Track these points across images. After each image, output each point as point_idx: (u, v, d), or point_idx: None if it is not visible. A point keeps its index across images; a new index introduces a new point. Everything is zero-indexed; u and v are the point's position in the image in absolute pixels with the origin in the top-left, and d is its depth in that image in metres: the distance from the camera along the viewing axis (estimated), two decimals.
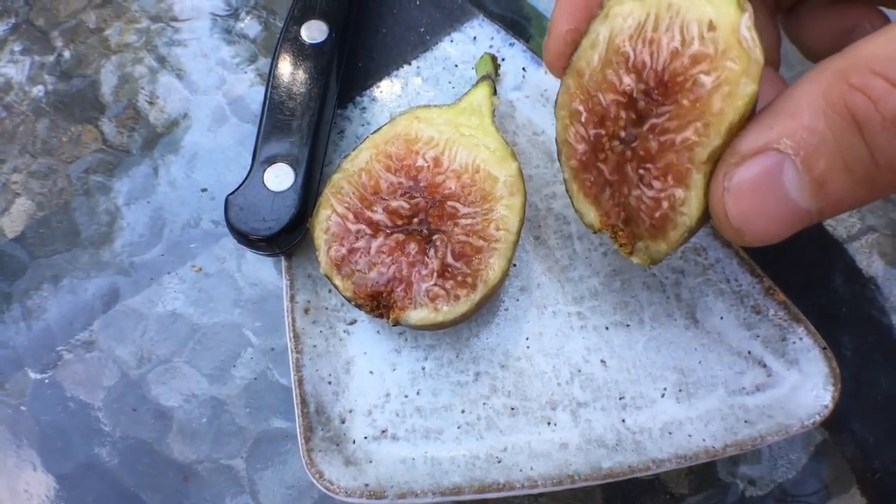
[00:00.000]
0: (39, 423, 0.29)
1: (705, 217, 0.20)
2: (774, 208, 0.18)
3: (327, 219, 0.25)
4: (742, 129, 0.18)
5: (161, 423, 0.28)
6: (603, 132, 0.22)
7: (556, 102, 0.23)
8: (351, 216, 0.25)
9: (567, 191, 0.24)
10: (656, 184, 0.20)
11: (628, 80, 0.21)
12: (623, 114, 0.21)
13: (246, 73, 0.33)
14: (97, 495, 0.28)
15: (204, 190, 0.31)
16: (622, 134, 0.21)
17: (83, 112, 0.33)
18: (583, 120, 0.22)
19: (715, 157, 0.19)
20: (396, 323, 0.24)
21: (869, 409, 0.29)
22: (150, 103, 0.33)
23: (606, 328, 0.27)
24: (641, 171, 0.21)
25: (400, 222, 0.25)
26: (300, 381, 0.25)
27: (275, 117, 0.26)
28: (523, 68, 0.30)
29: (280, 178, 0.25)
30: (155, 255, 0.30)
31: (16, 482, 0.29)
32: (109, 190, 0.31)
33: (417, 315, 0.24)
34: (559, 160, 0.24)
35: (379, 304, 0.24)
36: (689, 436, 0.25)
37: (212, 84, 0.33)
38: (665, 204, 0.20)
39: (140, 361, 0.29)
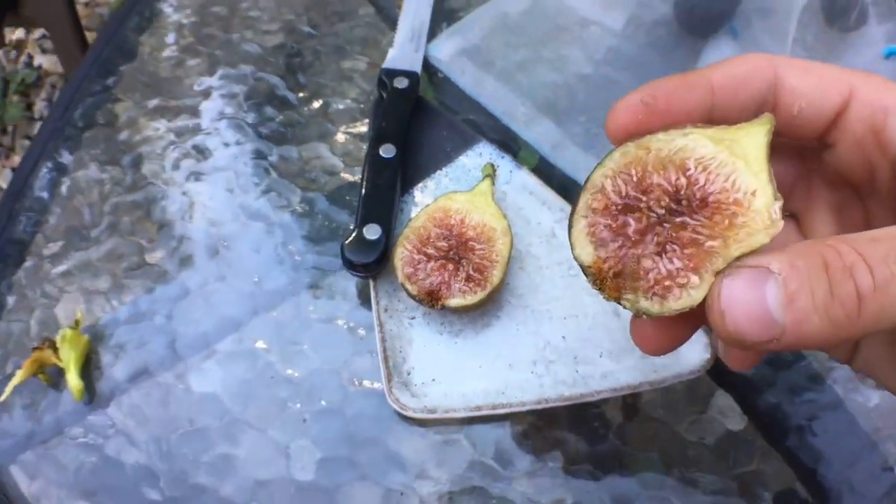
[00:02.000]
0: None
1: (701, 307, 0.25)
2: (752, 304, 0.23)
3: (401, 253, 0.46)
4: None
5: (290, 386, 0.47)
6: (643, 199, 0.27)
7: (608, 154, 0.28)
8: (415, 251, 0.46)
9: (570, 222, 0.28)
10: (677, 262, 0.26)
11: (683, 181, 0.26)
12: (664, 199, 0.26)
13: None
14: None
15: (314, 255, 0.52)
16: (659, 211, 0.26)
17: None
18: (634, 180, 0.27)
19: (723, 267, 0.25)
20: (443, 307, 0.44)
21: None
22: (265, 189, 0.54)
23: (564, 318, 0.47)
24: (668, 248, 0.26)
25: (442, 253, 0.46)
26: (384, 350, 0.45)
27: (368, 200, 0.48)
28: (510, 171, 0.52)
29: (373, 232, 0.46)
30: (282, 283, 0.50)
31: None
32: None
33: (455, 301, 0.44)
34: (579, 196, 0.28)
35: (432, 298, 0.44)
36: (618, 378, 0.44)
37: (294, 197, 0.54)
38: (681, 281, 0.25)
39: (277, 347, 0.48)
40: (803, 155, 0.33)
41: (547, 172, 0.53)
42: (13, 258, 0.53)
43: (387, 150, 0.50)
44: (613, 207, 0.27)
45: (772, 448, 0.46)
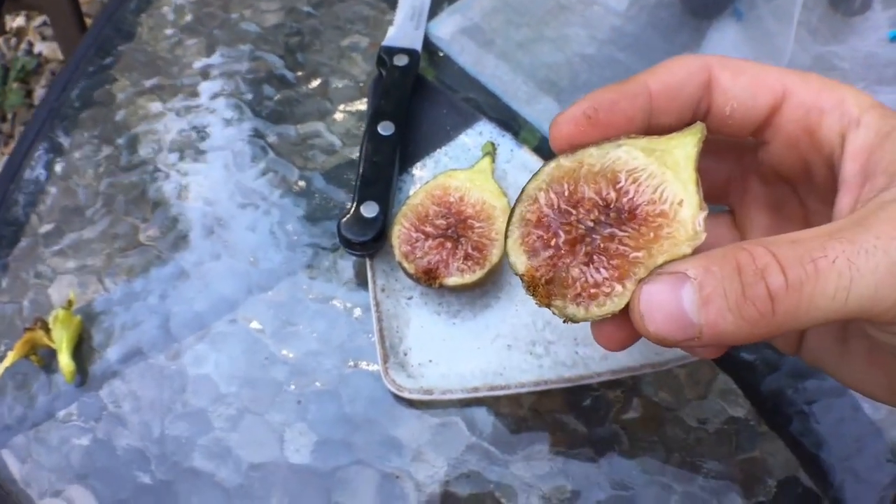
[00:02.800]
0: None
1: (624, 311, 0.27)
2: (669, 307, 0.25)
3: (399, 231, 0.45)
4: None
5: (285, 368, 0.46)
6: (574, 213, 0.29)
7: (541, 168, 0.30)
8: (413, 229, 0.45)
9: (507, 232, 0.30)
10: (604, 272, 0.27)
11: (613, 195, 0.28)
12: (594, 212, 0.28)
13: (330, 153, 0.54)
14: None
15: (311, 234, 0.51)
16: (589, 223, 0.28)
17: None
18: (565, 194, 0.29)
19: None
20: (441, 286, 0.43)
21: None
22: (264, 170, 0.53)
23: None
24: (595, 258, 0.28)
25: (440, 231, 0.45)
26: (380, 330, 0.44)
27: (365, 177, 0.47)
28: (511, 150, 0.51)
29: (370, 209, 0.45)
30: (278, 262, 0.49)
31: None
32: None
33: (452, 280, 0.43)
34: (513, 208, 0.30)
35: (430, 276, 0.43)
36: (619, 360, 0.43)
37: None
38: (605, 290, 0.27)
39: (272, 328, 0.47)
40: (740, 152, 0.33)
41: (548, 151, 0.52)
42: (7, 238, 0.53)
43: (385, 128, 0.49)
44: (546, 219, 0.29)
45: (775, 434, 0.45)
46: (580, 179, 0.29)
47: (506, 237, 0.30)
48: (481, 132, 0.52)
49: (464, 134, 0.52)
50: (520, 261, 0.30)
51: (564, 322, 0.29)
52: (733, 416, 0.45)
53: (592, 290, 0.27)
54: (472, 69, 0.56)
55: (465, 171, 0.47)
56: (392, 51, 0.54)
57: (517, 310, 0.46)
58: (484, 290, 0.46)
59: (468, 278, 0.43)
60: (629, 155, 0.28)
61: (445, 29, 0.57)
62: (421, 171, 0.51)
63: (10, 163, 0.57)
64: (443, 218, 0.45)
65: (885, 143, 0.27)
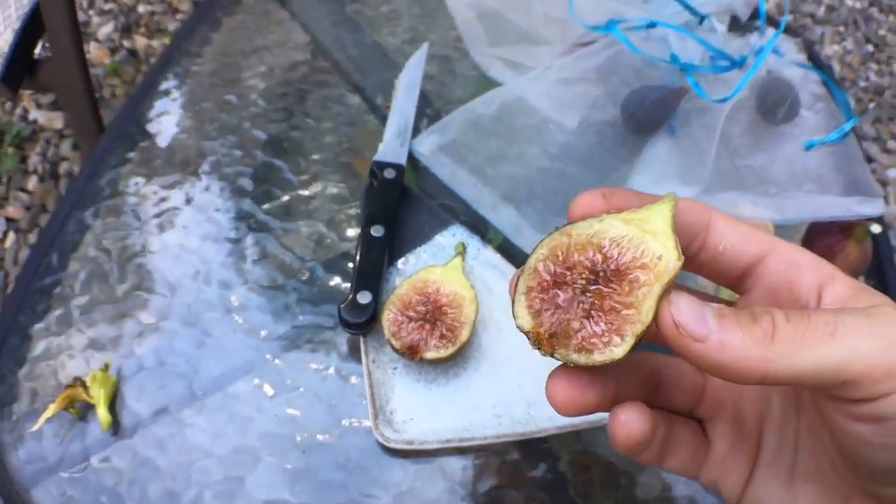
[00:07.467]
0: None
1: (622, 360, 0.31)
2: (693, 309, 0.29)
3: (388, 315, 0.59)
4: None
5: (292, 423, 0.59)
6: (568, 274, 0.33)
7: (539, 242, 0.34)
8: (399, 314, 0.59)
9: (513, 298, 0.34)
10: (603, 325, 0.31)
11: (599, 258, 0.32)
12: (585, 273, 0.32)
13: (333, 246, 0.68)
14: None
15: (314, 314, 0.64)
16: (581, 282, 0.32)
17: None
18: (560, 260, 0.33)
19: (642, 335, 0.30)
20: (421, 359, 0.57)
21: None
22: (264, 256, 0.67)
23: (519, 370, 0.60)
24: (593, 313, 0.31)
25: (421, 315, 0.59)
26: (371, 395, 0.57)
27: (361, 271, 0.61)
28: (478, 249, 0.65)
29: (365, 297, 0.59)
30: (286, 337, 0.62)
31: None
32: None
33: (430, 354, 0.57)
34: (518, 278, 0.34)
35: (412, 351, 0.57)
36: (563, 419, 0.57)
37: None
38: (605, 340, 0.31)
39: (281, 390, 0.60)
40: None
41: (509, 250, 0.67)
42: (42, 306, 0.64)
43: (377, 230, 0.63)
44: (545, 283, 0.33)
45: None
46: (571, 248, 0.33)
47: (513, 303, 0.34)
48: (454, 234, 0.67)
49: (440, 235, 0.67)
50: (525, 321, 0.33)
51: (566, 366, 0.33)
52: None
53: (593, 340, 0.31)
54: (448, 180, 0.71)
55: (440, 267, 0.62)
56: (382, 165, 0.69)
57: (482, 378, 0.60)
58: (455, 362, 0.60)
59: (443, 353, 0.57)
60: (610, 226, 0.33)
61: (426, 146, 0.72)
62: (405, 266, 0.65)
63: (42, 239, 0.69)
64: (423, 305, 0.59)
65: (859, 294, 0.31)
